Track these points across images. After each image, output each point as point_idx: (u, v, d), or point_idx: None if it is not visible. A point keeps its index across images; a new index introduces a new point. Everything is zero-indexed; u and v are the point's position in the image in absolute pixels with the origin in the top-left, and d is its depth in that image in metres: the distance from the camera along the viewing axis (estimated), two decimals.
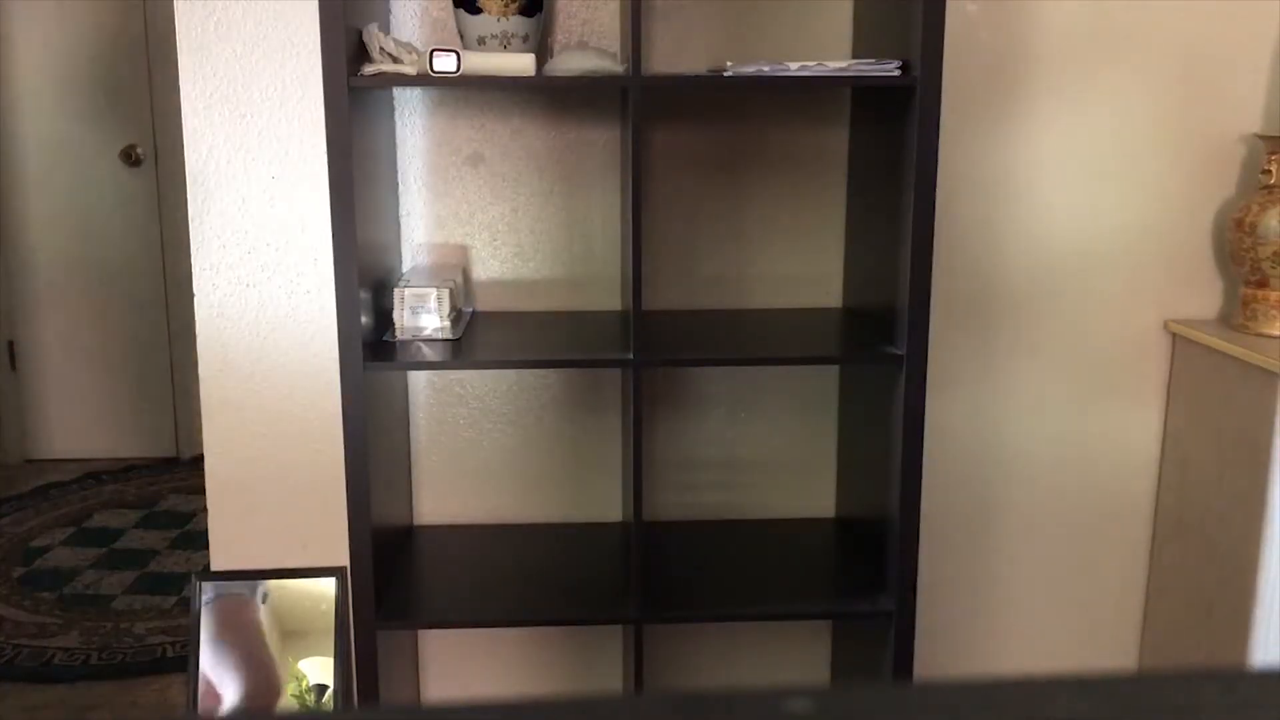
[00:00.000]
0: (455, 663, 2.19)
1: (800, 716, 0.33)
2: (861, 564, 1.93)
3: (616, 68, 1.73)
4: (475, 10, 1.76)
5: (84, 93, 3.98)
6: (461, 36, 1.80)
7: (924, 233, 1.66)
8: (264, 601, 1.96)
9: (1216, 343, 1.98)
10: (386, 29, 1.89)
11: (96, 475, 3.97)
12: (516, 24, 1.77)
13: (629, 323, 1.71)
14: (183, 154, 1.96)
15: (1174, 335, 2.11)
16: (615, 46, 1.91)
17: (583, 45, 1.90)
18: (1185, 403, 2.10)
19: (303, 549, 2.05)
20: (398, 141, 1.98)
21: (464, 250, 2.03)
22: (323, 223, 1.86)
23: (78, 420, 4.12)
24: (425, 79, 1.63)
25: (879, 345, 1.79)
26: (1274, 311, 1.96)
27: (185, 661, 1.97)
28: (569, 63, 1.75)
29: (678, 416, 2.12)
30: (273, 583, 1.96)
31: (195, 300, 2.01)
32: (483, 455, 2.11)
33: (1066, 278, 2.10)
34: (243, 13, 1.92)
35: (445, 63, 1.60)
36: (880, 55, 1.69)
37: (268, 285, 2.00)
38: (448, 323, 1.78)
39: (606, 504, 2.13)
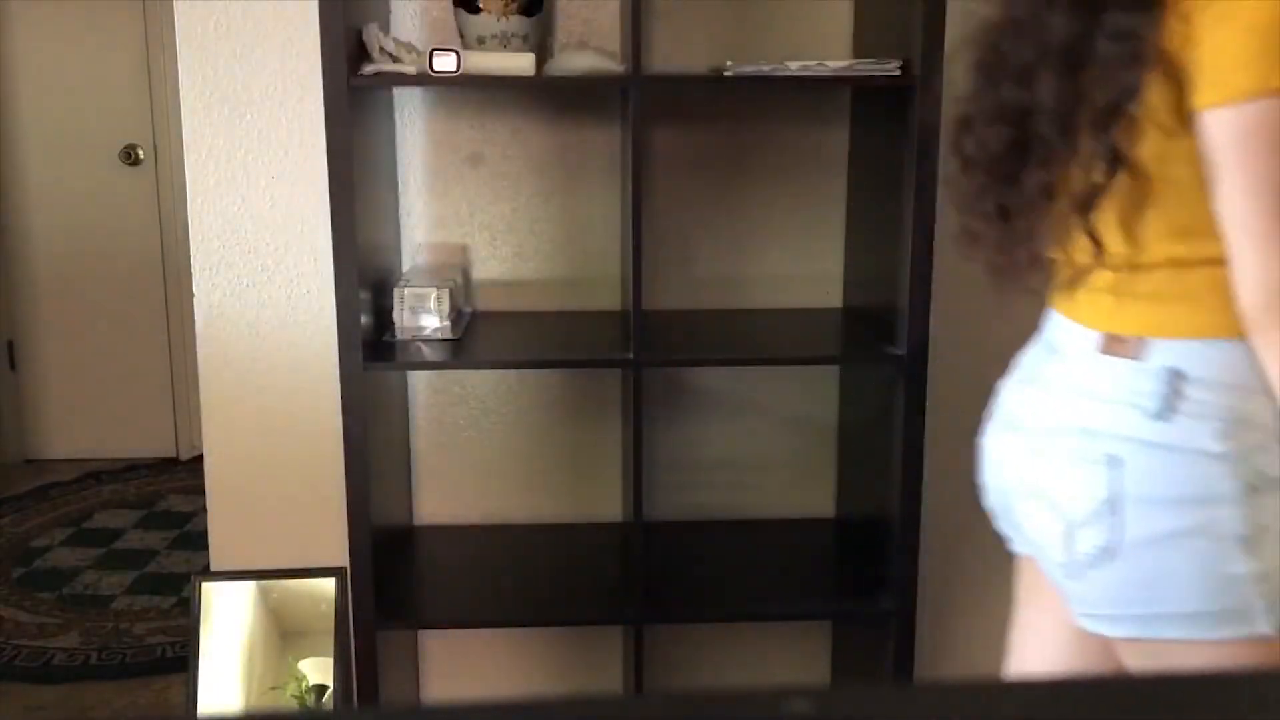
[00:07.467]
0: (455, 663, 2.19)
1: (800, 717, 0.33)
2: (861, 564, 1.93)
3: (616, 68, 1.73)
4: (475, 10, 1.76)
5: (84, 93, 3.97)
6: (461, 36, 1.80)
7: (924, 233, 1.66)
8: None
9: None
10: (386, 29, 1.89)
11: (96, 475, 3.96)
12: (516, 24, 1.77)
13: (629, 323, 1.71)
14: (183, 154, 1.96)
15: None
16: (615, 46, 1.90)
17: (583, 45, 1.90)
18: None
19: (302, 549, 2.05)
20: (398, 141, 1.98)
21: (464, 250, 2.03)
22: (323, 223, 1.86)
23: (78, 420, 4.12)
24: (425, 79, 1.63)
25: (879, 345, 1.79)
26: None
27: (185, 662, 1.97)
28: (569, 63, 1.75)
29: (678, 417, 2.12)
30: (273, 583, 1.96)
31: (195, 300, 2.01)
32: (483, 455, 2.11)
33: None
34: (243, 13, 1.92)
35: (445, 62, 1.60)
36: (880, 55, 1.69)
37: (268, 285, 2.00)
38: (448, 323, 1.78)
39: (606, 504, 2.12)
